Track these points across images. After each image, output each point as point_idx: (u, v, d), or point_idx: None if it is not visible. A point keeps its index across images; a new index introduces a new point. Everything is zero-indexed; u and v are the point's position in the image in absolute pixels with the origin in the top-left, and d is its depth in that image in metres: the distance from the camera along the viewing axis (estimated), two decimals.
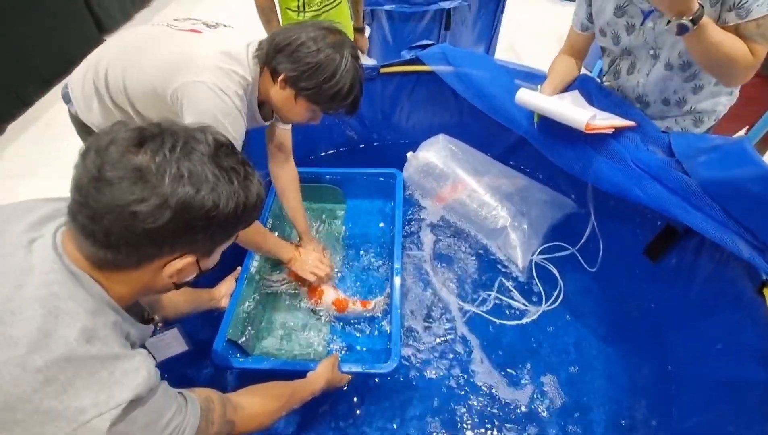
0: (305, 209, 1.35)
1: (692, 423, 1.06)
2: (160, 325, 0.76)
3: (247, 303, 1.20)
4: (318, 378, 0.94)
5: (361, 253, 1.46)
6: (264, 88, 0.97)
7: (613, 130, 1.13)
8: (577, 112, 1.07)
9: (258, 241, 1.16)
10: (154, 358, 0.80)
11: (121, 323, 0.54)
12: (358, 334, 1.25)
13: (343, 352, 1.21)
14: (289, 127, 1.23)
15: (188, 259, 0.55)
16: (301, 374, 0.95)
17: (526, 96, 1.19)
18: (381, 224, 1.55)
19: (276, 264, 1.33)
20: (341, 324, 1.27)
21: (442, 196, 1.53)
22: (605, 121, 1.12)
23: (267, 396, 0.80)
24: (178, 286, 0.59)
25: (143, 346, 0.77)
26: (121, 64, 0.92)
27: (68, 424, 0.46)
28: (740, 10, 0.89)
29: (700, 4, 0.87)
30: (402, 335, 1.22)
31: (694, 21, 0.87)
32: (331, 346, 1.22)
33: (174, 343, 0.82)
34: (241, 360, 1.07)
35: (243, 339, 1.14)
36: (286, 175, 1.28)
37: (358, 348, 1.22)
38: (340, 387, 1.02)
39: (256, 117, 1.03)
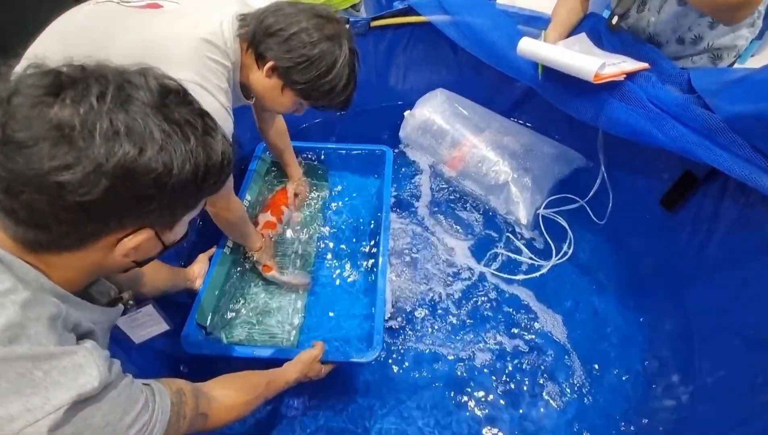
0: (294, 152, 1.35)
1: (716, 378, 1.01)
2: (131, 302, 0.68)
3: (218, 285, 1.13)
4: (292, 368, 0.88)
5: (346, 236, 1.35)
6: (245, 70, 0.86)
7: (625, 76, 1.04)
8: (585, 62, 0.98)
9: (243, 228, 1.08)
10: (132, 340, 0.75)
11: (65, 314, 0.45)
12: (337, 316, 1.17)
13: (319, 337, 1.12)
14: None
15: (144, 235, 0.46)
16: (278, 362, 0.89)
17: (528, 46, 1.09)
18: (368, 205, 1.43)
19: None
20: (319, 306, 1.19)
21: (453, 163, 1.44)
22: (616, 66, 1.03)
23: (242, 386, 0.74)
24: (140, 264, 0.52)
25: (117, 329, 0.71)
26: (77, 59, 0.78)
27: None
28: None
29: None
30: (389, 313, 1.15)
31: None
32: (307, 329, 1.14)
33: (150, 322, 0.74)
34: (220, 345, 1.02)
35: (212, 323, 1.07)
36: (273, 128, 1.24)
37: (339, 329, 1.14)
38: (319, 377, 0.95)
39: (240, 97, 0.93)
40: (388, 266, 1.17)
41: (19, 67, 0.82)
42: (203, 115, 0.47)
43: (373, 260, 1.25)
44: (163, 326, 0.77)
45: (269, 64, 0.81)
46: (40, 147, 0.37)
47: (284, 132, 1.29)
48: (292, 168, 1.36)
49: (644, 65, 1.06)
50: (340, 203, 1.43)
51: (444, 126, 1.42)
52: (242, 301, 1.18)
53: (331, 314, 1.17)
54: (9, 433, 0.39)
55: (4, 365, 0.40)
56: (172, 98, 0.44)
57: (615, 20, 1.10)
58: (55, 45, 0.79)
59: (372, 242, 1.31)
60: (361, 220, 1.38)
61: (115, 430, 0.45)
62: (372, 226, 1.36)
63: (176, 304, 1.05)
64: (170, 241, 0.51)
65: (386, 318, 1.12)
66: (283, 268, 1.22)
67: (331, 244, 1.33)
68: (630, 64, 1.06)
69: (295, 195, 1.36)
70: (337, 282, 1.24)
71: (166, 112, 0.43)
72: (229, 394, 0.71)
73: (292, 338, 1.11)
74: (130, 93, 0.41)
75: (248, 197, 1.31)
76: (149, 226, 0.46)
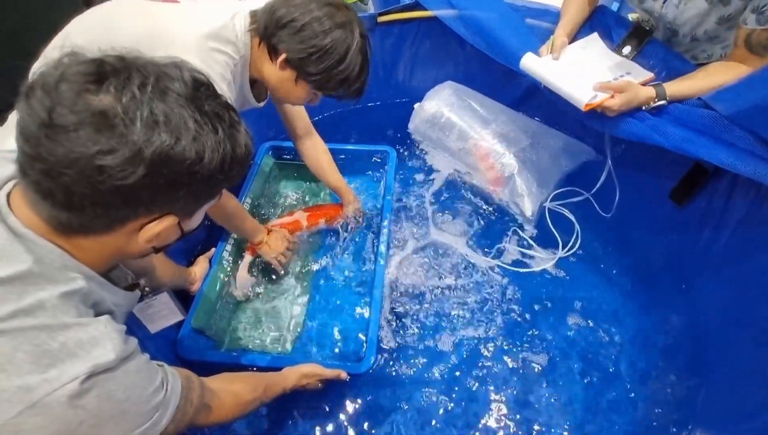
0: (342, 178, 1.30)
1: (724, 371, 1.00)
2: (147, 290, 0.70)
3: (216, 287, 1.13)
4: (292, 375, 0.89)
5: (347, 240, 1.32)
6: (257, 64, 0.87)
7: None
8: (577, 91, 1.02)
9: (239, 220, 1.08)
10: (147, 328, 0.76)
11: (85, 291, 0.47)
12: (334, 320, 1.16)
13: (314, 349, 1.11)
14: None
15: (169, 221, 0.48)
16: (273, 370, 0.90)
17: (530, 63, 1.12)
18: (370, 207, 1.41)
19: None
20: (316, 311, 1.18)
21: (496, 183, 1.40)
22: (618, 81, 1.04)
23: (243, 387, 0.75)
24: (157, 250, 0.54)
25: (133, 315, 0.73)
26: (91, 49, 0.80)
27: (12, 407, 0.40)
28: (761, 16, 0.87)
29: (654, 85, 0.99)
30: (385, 319, 1.15)
31: (662, 97, 0.98)
32: (304, 334, 1.13)
33: (165, 311, 0.75)
34: (215, 352, 1.02)
35: (208, 326, 1.08)
36: (313, 151, 1.23)
37: (335, 336, 1.13)
38: (316, 388, 0.95)
39: (248, 98, 0.93)
40: (385, 274, 1.16)
41: (40, 64, 0.85)
42: (229, 108, 0.49)
43: (372, 265, 1.24)
44: (177, 316, 0.79)
45: (282, 56, 0.81)
46: (84, 131, 0.39)
47: (323, 152, 1.25)
48: (343, 192, 1.29)
49: (649, 76, 1.07)
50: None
51: (452, 118, 1.43)
52: (240, 304, 1.18)
53: (329, 319, 1.17)
54: (28, 403, 0.40)
55: (20, 337, 0.41)
56: (203, 91, 0.46)
57: (627, 51, 1.14)
58: (76, 34, 0.82)
59: (372, 246, 1.30)
60: (363, 223, 1.37)
61: (135, 404, 0.47)
62: (372, 230, 1.35)
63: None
64: (188, 229, 0.53)
65: (387, 318, 1.13)
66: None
67: (333, 246, 1.32)
68: (635, 76, 1.07)
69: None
70: (337, 286, 1.24)
71: (198, 103, 0.45)
72: (231, 392, 0.72)
73: (288, 344, 1.11)
74: (167, 84, 0.43)
75: (248, 200, 1.31)
76: (173, 213, 0.48)
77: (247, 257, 1.19)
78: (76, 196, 0.41)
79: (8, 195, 0.46)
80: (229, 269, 1.18)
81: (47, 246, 0.45)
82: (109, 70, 0.42)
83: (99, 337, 0.45)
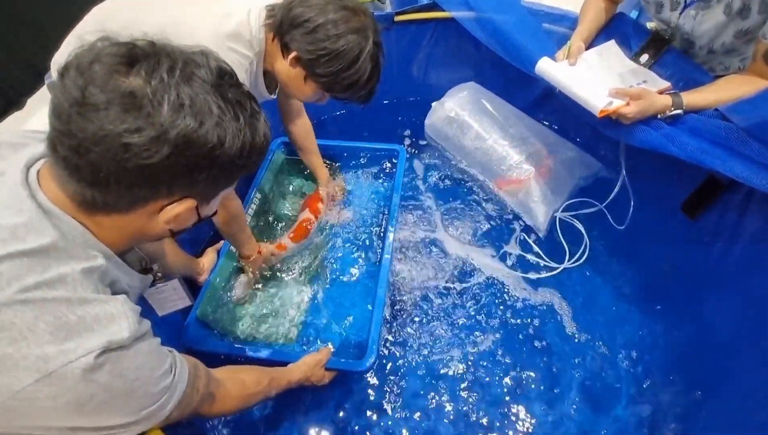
0: (321, 159, 1.34)
1: (728, 387, 0.99)
2: (159, 275, 0.71)
3: (224, 278, 1.14)
4: (296, 368, 0.89)
5: (354, 236, 1.33)
6: (270, 58, 0.88)
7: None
8: (593, 97, 1.01)
9: (240, 225, 1.07)
10: (155, 312, 0.78)
11: (104, 269, 0.49)
12: (339, 316, 1.16)
13: (318, 342, 1.12)
14: None
15: (188, 204, 0.49)
16: (277, 362, 0.90)
17: (546, 68, 1.12)
18: (378, 205, 1.41)
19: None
20: (320, 306, 1.18)
21: (510, 183, 1.40)
22: (634, 88, 1.03)
23: (247, 379, 0.76)
24: (174, 234, 0.55)
25: (143, 298, 0.75)
26: (121, 34, 0.82)
27: (29, 375, 0.42)
28: None
29: (671, 94, 0.98)
30: (387, 317, 1.15)
31: (678, 107, 0.97)
32: (308, 328, 1.14)
33: (174, 296, 0.77)
34: (220, 342, 1.03)
35: (214, 317, 1.09)
36: (299, 128, 1.26)
37: (337, 333, 1.13)
38: (322, 383, 0.95)
39: (261, 91, 0.94)
40: (389, 272, 1.16)
41: (62, 53, 0.88)
42: (251, 98, 0.51)
43: (377, 263, 1.25)
44: (186, 301, 0.81)
45: (293, 54, 0.82)
46: (113, 110, 0.41)
47: (309, 132, 1.28)
48: (319, 170, 1.34)
49: (666, 85, 1.06)
50: (350, 202, 1.43)
51: (469, 120, 1.43)
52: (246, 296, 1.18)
53: (332, 315, 1.17)
54: (44, 372, 0.42)
55: (42, 307, 0.43)
56: (227, 79, 0.48)
57: (645, 59, 1.13)
58: (96, 23, 0.84)
59: (379, 243, 1.30)
60: (370, 221, 1.38)
61: (144, 385, 0.48)
62: (380, 227, 1.35)
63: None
64: (205, 214, 0.54)
65: (389, 317, 1.14)
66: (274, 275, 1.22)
67: (339, 243, 1.32)
68: (652, 84, 1.06)
69: (331, 198, 1.35)
70: (341, 283, 1.24)
71: (222, 91, 0.46)
72: (236, 383, 0.72)
73: (291, 335, 1.12)
74: (194, 70, 0.45)
75: (258, 195, 1.32)
76: (192, 197, 0.49)
77: (244, 277, 1.18)
78: (102, 173, 0.43)
79: (38, 172, 0.49)
80: (236, 263, 1.19)
81: (71, 222, 0.47)
82: (140, 54, 0.43)
83: (116, 314, 0.47)
